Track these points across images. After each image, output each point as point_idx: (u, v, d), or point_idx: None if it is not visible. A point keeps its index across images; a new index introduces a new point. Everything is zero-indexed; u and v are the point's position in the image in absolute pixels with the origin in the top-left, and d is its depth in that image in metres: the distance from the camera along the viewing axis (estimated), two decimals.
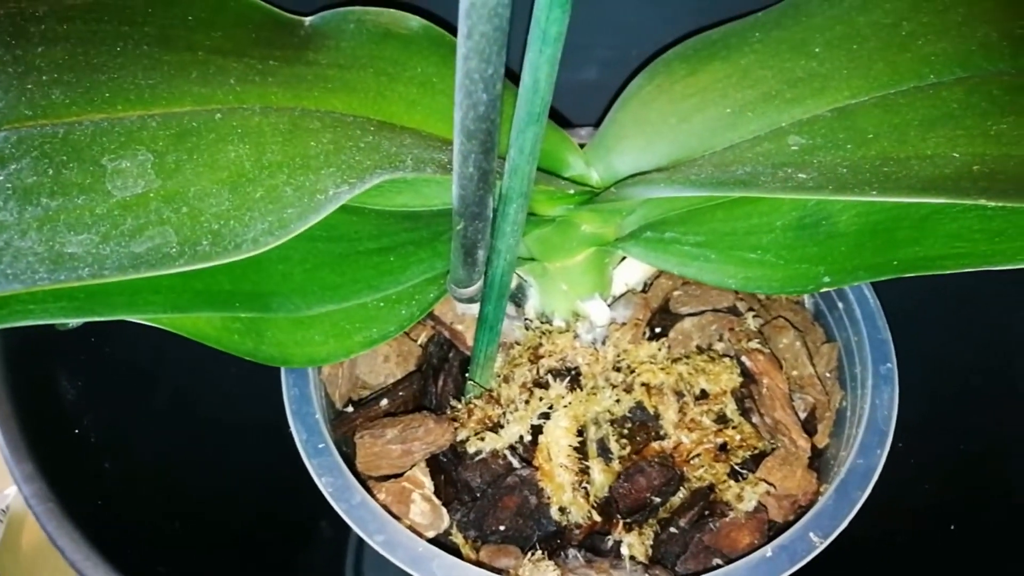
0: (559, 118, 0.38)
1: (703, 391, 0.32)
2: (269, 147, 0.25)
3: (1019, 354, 0.34)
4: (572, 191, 0.30)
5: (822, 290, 0.29)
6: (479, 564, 0.27)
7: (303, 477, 0.28)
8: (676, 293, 0.35)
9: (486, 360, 0.30)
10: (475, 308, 0.33)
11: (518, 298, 0.34)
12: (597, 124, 0.35)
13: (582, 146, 0.34)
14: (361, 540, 0.28)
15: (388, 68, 0.30)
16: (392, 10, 0.31)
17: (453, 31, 0.31)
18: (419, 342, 0.35)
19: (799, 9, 0.32)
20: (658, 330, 0.34)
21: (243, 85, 0.27)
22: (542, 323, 0.34)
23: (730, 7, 0.34)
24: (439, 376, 0.33)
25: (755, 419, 0.30)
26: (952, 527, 0.33)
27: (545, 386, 0.32)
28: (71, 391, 0.29)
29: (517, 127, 0.22)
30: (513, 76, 0.31)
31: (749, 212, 0.30)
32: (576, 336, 0.33)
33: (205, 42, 0.29)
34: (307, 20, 0.31)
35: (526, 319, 0.35)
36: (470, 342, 0.33)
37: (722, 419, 0.32)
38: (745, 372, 0.32)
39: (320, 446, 0.29)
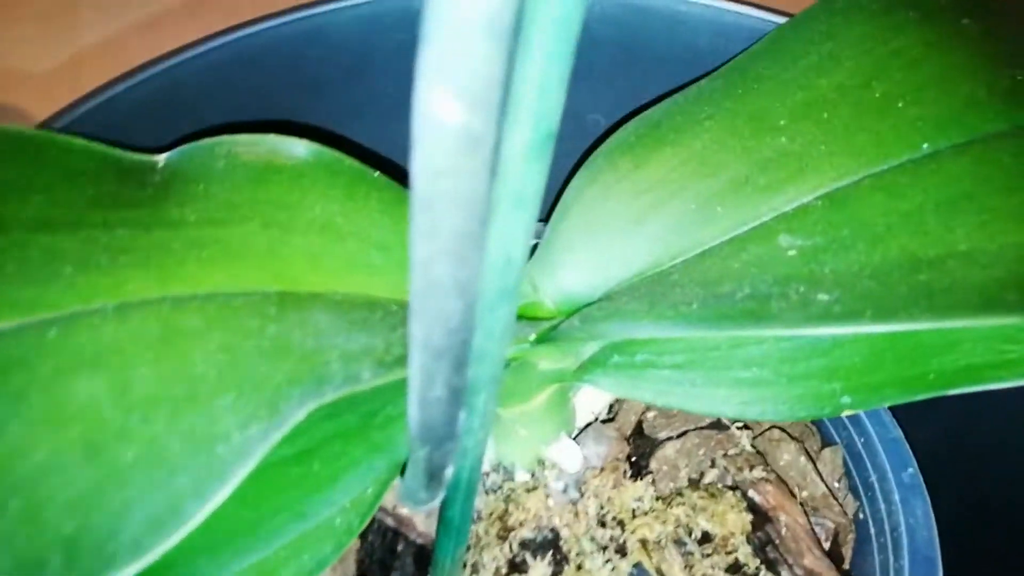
0: None
1: (705, 533, 0.27)
2: (135, 372, 0.18)
3: None
4: (532, 336, 0.24)
5: (844, 414, 0.24)
6: None
7: None
8: (650, 414, 0.30)
9: (453, 565, 0.24)
10: None
11: None
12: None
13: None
14: None
15: (278, 214, 0.23)
16: (271, 136, 0.24)
17: (350, 150, 0.25)
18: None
19: (746, 74, 0.28)
20: (635, 458, 0.29)
21: (85, 274, 0.20)
22: (503, 480, 0.28)
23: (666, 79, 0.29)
24: None
25: (784, 572, 0.25)
26: None
27: (523, 569, 0.26)
28: None
29: (484, 307, 0.17)
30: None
31: None
32: (547, 490, 0.28)
33: (21, 214, 0.21)
34: (161, 159, 0.24)
35: (483, 476, 0.28)
36: (421, 527, 0.27)
37: (736, 568, 0.26)
38: (754, 508, 0.27)
39: None
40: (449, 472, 0.18)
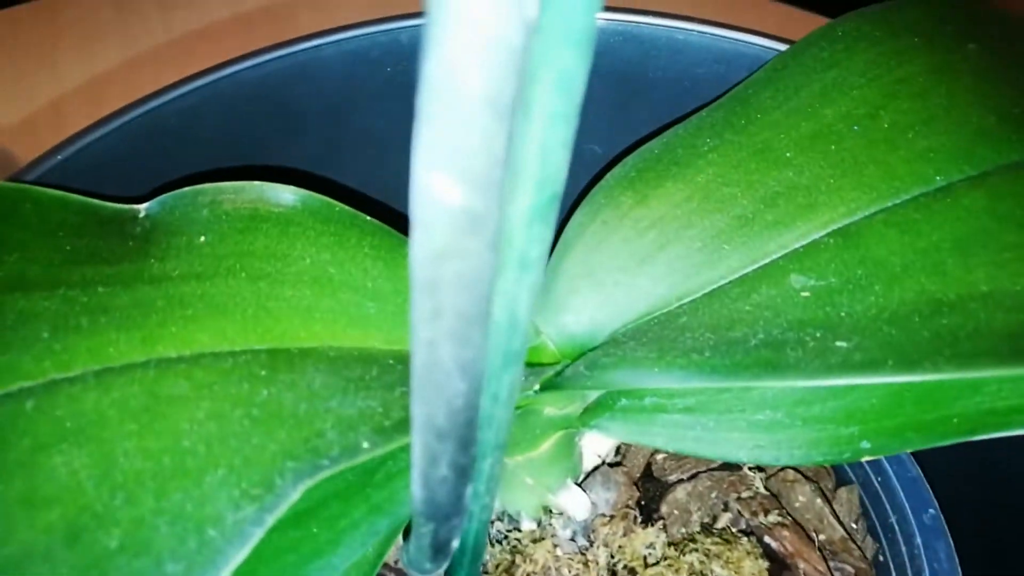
0: None
1: None
2: (119, 447, 0.17)
3: None
4: (537, 386, 0.23)
5: (864, 459, 0.23)
6: None
7: None
8: (659, 456, 0.29)
9: None
10: None
11: None
12: None
13: None
14: None
15: (266, 267, 0.22)
16: (256, 183, 0.23)
17: (336, 193, 0.24)
18: None
19: (748, 104, 0.27)
20: (644, 502, 0.28)
21: (64, 338, 0.19)
22: (508, 530, 0.27)
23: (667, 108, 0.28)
24: None
25: None
26: None
27: None
28: None
29: (490, 372, 0.16)
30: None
31: None
32: (554, 539, 0.27)
33: None
34: (142, 208, 0.23)
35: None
36: None
37: None
38: (771, 554, 0.26)
39: None
40: (455, 544, 0.17)
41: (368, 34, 0.31)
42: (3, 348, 0.19)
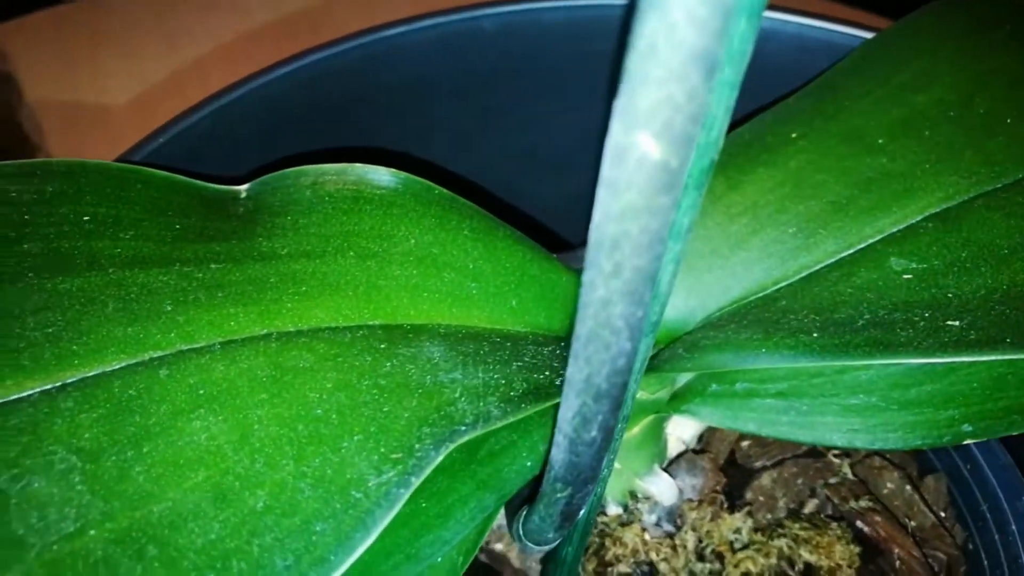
0: (556, 241, 0.32)
1: (808, 565, 0.26)
2: (252, 415, 0.17)
3: None
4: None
5: (965, 442, 0.23)
6: None
7: None
8: (744, 443, 0.29)
9: None
10: None
11: None
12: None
13: None
14: None
15: (372, 247, 0.22)
16: (357, 165, 0.24)
17: (434, 176, 0.25)
18: None
19: (836, 92, 0.27)
20: (729, 488, 0.28)
21: (185, 311, 0.19)
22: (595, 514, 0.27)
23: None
24: None
25: None
26: None
27: None
28: None
29: None
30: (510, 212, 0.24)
31: None
32: (642, 523, 0.27)
33: (114, 250, 0.21)
34: (243, 190, 0.24)
35: None
36: (516, 563, 0.26)
37: None
38: (862, 538, 0.26)
39: None
40: (583, 513, 0.18)
41: (450, 21, 0.31)
42: (131, 319, 0.19)
